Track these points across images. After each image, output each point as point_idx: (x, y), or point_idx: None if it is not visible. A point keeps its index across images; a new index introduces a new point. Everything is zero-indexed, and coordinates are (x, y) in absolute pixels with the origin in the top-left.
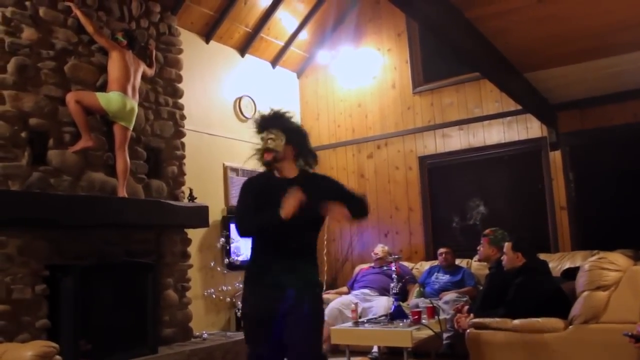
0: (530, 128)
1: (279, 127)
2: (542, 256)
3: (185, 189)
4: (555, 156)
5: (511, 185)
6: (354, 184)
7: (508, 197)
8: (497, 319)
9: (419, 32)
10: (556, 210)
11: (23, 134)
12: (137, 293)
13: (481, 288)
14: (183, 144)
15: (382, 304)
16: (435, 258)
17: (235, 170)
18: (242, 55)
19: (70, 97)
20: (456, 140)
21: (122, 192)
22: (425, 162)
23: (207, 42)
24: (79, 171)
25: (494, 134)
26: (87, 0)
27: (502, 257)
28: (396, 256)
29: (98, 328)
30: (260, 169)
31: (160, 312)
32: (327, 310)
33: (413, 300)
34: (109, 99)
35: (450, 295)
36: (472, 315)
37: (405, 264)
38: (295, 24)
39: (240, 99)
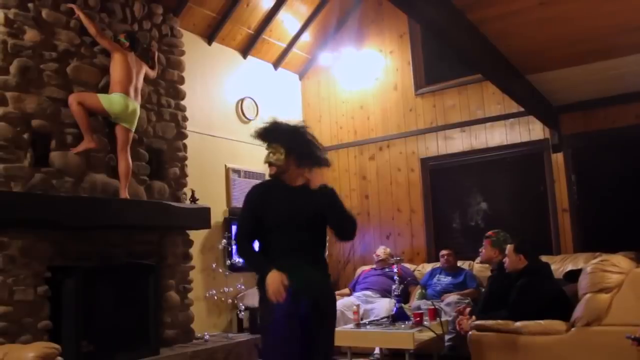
0: (532, 130)
1: (278, 140)
2: (544, 258)
3: (187, 190)
4: (558, 158)
5: (513, 187)
6: (356, 186)
7: (510, 199)
8: (499, 321)
9: (421, 34)
10: (558, 212)
11: (25, 136)
12: (139, 294)
13: (483, 290)
14: (185, 146)
15: (383, 306)
16: (437, 260)
17: (237, 171)
18: (245, 56)
19: (72, 99)
20: (458, 142)
21: (124, 194)
22: (427, 164)
23: (210, 43)
24: (81, 172)
25: (496, 136)
26: (90, 2)
27: (504, 259)
28: (398, 258)
29: (100, 329)
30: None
31: (162, 313)
32: None
33: (415, 302)
34: (111, 101)
35: (452, 297)
36: (474, 317)
37: (407, 265)
38: (298, 25)
39: (242, 100)
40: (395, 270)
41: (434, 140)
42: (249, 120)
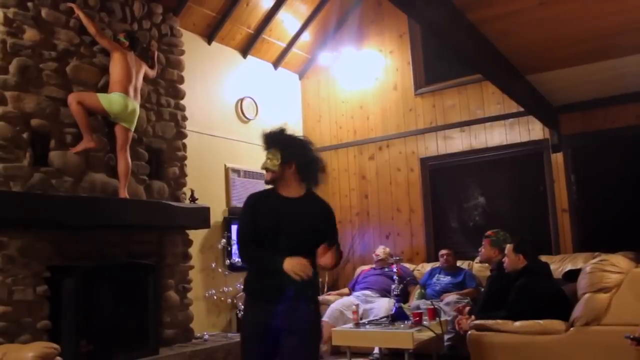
0: (532, 130)
1: (277, 146)
2: (544, 258)
3: (186, 190)
4: (557, 158)
5: (513, 187)
6: (356, 186)
7: (510, 198)
8: (499, 321)
9: (421, 34)
10: (558, 212)
11: (25, 135)
12: (138, 294)
13: (482, 290)
14: (184, 145)
15: (383, 306)
16: (437, 259)
17: (236, 171)
18: (244, 56)
19: (72, 98)
20: (458, 142)
21: (124, 193)
22: (426, 164)
23: (209, 43)
24: (81, 172)
25: (496, 136)
26: (89, 2)
27: (503, 259)
28: (397, 257)
29: (99, 329)
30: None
31: (162, 313)
32: (328, 312)
33: (414, 301)
34: (111, 100)
35: (451, 297)
36: (473, 317)
37: (407, 265)
38: (298, 25)
39: (242, 100)
40: (394, 270)
41: (434, 140)
42: (249, 120)
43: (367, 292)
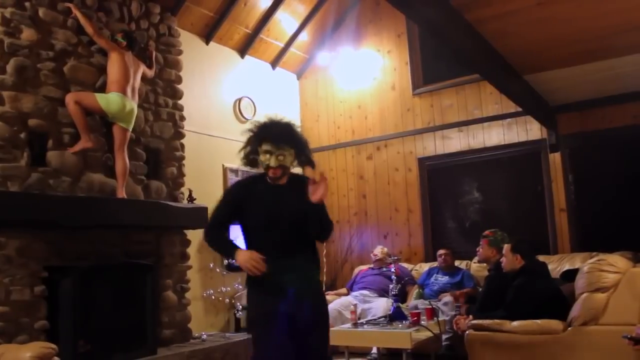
0: (529, 130)
1: (290, 144)
2: (541, 258)
3: (184, 190)
4: (555, 158)
5: (511, 187)
6: (354, 185)
7: (507, 198)
8: (496, 321)
9: (419, 34)
10: (555, 212)
11: (22, 135)
12: (136, 294)
13: (480, 289)
14: (182, 145)
15: (381, 305)
16: (435, 259)
17: (234, 171)
18: (242, 56)
19: (69, 98)
20: (456, 142)
21: (122, 193)
22: (424, 164)
23: (207, 43)
24: (78, 172)
25: (494, 136)
26: (87, 1)
27: (501, 259)
28: (395, 257)
29: (97, 329)
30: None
31: (160, 313)
32: None
33: (412, 301)
34: (109, 100)
35: (449, 297)
36: (471, 316)
37: (405, 265)
38: (295, 25)
39: (240, 100)
40: (392, 269)
41: (432, 140)
42: (247, 119)
43: (365, 292)
